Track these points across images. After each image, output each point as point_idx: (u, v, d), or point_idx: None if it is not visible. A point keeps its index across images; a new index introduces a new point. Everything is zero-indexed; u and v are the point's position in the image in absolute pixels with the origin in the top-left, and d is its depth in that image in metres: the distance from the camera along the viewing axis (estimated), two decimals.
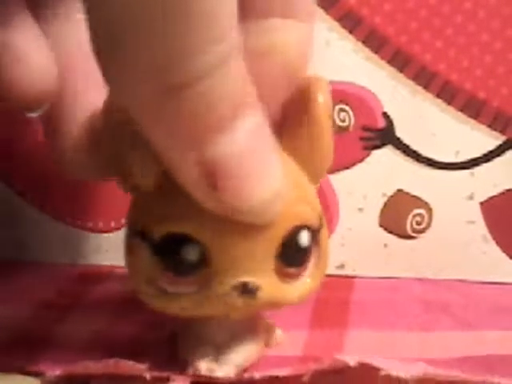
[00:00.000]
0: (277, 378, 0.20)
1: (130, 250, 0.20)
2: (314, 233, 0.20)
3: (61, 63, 0.20)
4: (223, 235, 0.19)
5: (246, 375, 0.20)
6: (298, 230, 0.20)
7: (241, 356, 0.21)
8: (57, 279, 0.28)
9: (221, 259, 0.19)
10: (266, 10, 0.20)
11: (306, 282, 0.20)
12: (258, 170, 0.18)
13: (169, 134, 0.17)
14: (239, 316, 0.20)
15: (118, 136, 0.19)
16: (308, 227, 0.20)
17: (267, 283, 0.19)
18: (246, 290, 0.19)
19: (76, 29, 0.21)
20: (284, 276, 0.20)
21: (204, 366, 0.20)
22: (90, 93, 0.21)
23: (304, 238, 0.20)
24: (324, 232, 0.21)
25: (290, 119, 0.20)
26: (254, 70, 0.19)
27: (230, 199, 0.17)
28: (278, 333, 0.23)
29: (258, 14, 0.20)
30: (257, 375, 0.20)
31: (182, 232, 0.19)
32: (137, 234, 0.20)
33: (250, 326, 0.21)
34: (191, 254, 0.19)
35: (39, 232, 0.30)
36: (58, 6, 0.21)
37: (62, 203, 0.30)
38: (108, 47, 0.16)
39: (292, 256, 0.20)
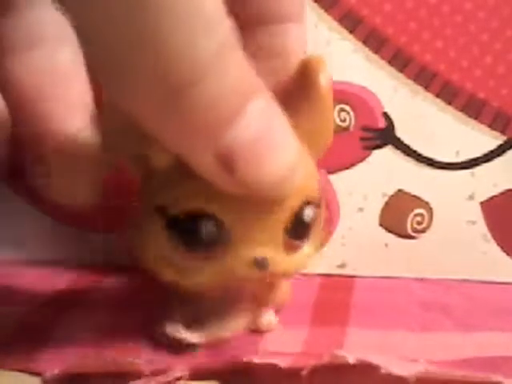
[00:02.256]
0: (275, 367, 0.20)
1: (143, 224, 0.21)
2: (317, 206, 0.21)
3: (31, 91, 0.21)
4: (239, 211, 0.19)
5: (245, 359, 0.20)
6: (305, 205, 0.20)
7: (214, 328, 0.22)
8: (56, 278, 0.28)
9: (236, 234, 0.20)
10: (262, 18, 0.21)
11: (303, 253, 0.21)
12: (274, 146, 0.18)
13: (180, 133, 0.17)
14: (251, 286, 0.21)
15: (125, 133, 0.20)
16: (312, 202, 0.21)
17: (276, 256, 0.20)
18: (259, 264, 0.20)
19: (49, 55, 0.22)
20: (288, 248, 0.21)
21: (171, 329, 0.21)
22: (69, 117, 0.22)
23: (309, 212, 0.21)
24: (322, 205, 0.22)
25: (292, 98, 0.21)
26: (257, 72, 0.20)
27: (250, 180, 0.18)
28: (271, 317, 0.23)
29: (255, 22, 0.21)
30: (256, 360, 0.20)
31: (200, 208, 0.19)
32: (153, 209, 0.20)
33: (234, 303, 0.22)
34: (208, 229, 0.20)
35: (39, 231, 0.30)
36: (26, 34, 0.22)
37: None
38: (105, 65, 0.17)
39: (298, 230, 0.21)
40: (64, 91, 0.22)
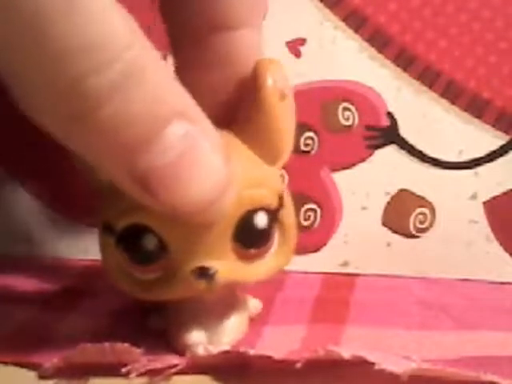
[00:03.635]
0: (270, 359, 0.20)
1: (100, 244, 0.21)
2: (273, 213, 0.21)
3: None
4: (178, 224, 0.19)
5: (241, 349, 0.20)
6: (252, 212, 0.20)
7: (231, 332, 0.21)
8: (60, 274, 0.29)
9: (178, 246, 0.20)
10: (212, 25, 0.21)
11: (269, 261, 0.21)
12: (196, 171, 0.18)
13: (89, 153, 0.17)
14: (209, 296, 0.21)
15: None
16: (265, 209, 0.20)
17: (225, 265, 0.20)
18: (204, 274, 0.20)
19: None
20: (245, 257, 0.20)
21: (200, 348, 0.21)
22: None
23: (261, 219, 0.20)
24: (287, 210, 0.21)
25: (244, 104, 0.21)
26: (207, 80, 0.21)
27: (172, 204, 0.18)
28: (256, 303, 0.24)
29: (205, 30, 0.21)
30: (251, 351, 0.20)
31: (140, 223, 0.20)
32: (104, 228, 0.20)
33: (233, 303, 0.22)
34: (149, 243, 0.20)
35: (45, 227, 0.30)
36: None
37: (70, 201, 0.30)
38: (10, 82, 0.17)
39: (250, 238, 0.20)
40: None
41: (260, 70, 0.20)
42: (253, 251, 0.21)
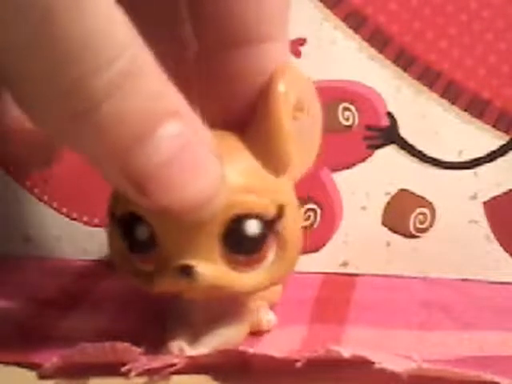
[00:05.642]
0: (270, 359, 0.20)
1: (108, 232, 0.21)
2: (268, 223, 0.20)
3: None
4: (169, 219, 0.19)
5: (241, 348, 0.20)
6: (242, 218, 0.20)
7: (217, 338, 0.21)
8: (60, 275, 0.29)
9: (166, 241, 0.20)
10: (241, 38, 0.20)
11: (262, 273, 0.20)
12: (187, 172, 0.18)
13: (86, 151, 0.18)
14: (198, 297, 0.21)
15: None
16: (258, 217, 0.20)
17: (210, 268, 0.20)
18: (186, 272, 0.19)
19: None
20: (234, 263, 0.20)
21: (175, 347, 0.21)
22: None
23: (251, 226, 0.20)
24: (289, 223, 0.20)
25: (258, 109, 0.20)
26: (229, 90, 0.21)
27: (163, 203, 0.18)
28: (270, 317, 0.23)
29: (236, 42, 0.20)
30: (251, 350, 0.20)
31: (134, 212, 0.20)
32: (109, 216, 0.21)
33: (232, 309, 0.22)
34: (142, 233, 0.20)
35: (44, 227, 0.30)
36: None
37: (69, 199, 0.30)
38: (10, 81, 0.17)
39: (238, 244, 0.20)
40: None
41: (273, 76, 0.20)
42: (242, 258, 0.20)
